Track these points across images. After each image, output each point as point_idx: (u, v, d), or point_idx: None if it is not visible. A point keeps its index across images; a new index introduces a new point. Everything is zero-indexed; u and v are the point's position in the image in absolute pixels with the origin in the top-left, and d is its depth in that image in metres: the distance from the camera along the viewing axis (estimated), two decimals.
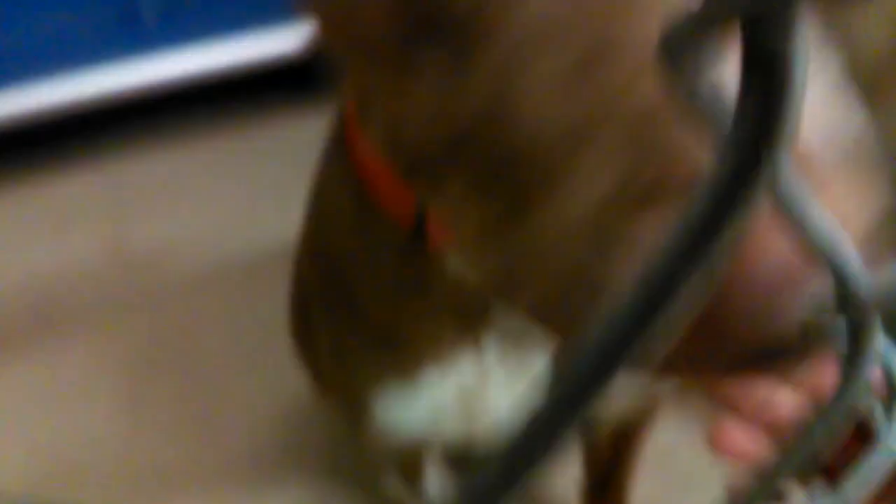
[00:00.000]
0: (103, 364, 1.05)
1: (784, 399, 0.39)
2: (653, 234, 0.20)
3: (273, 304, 1.10)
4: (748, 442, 0.40)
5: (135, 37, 1.21)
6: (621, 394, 0.52)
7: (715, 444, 0.40)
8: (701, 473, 0.46)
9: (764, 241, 0.19)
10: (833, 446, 0.39)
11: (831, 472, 0.24)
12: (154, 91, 1.23)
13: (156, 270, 1.15)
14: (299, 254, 0.56)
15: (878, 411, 0.24)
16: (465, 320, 0.46)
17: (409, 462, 0.76)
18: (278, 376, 1.01)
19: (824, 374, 0.37)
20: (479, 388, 0.48)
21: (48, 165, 1.28)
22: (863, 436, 0.35)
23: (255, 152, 1.31)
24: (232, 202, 1.23)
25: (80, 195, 1.25)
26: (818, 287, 0.18)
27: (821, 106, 0.20)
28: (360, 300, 0.48)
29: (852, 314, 0.16)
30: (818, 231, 0.15)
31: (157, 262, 1.16)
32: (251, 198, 1.24)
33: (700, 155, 0.20)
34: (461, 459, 0.89)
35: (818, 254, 0.17)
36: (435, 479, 0.78)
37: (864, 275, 0.17)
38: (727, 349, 0.20)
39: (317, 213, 0.51)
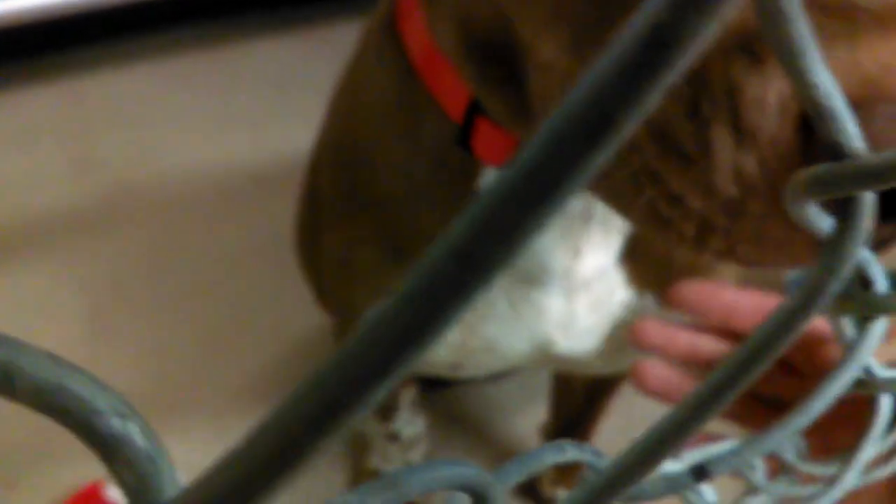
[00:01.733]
0: (66, 283, 1.02)
1: (746, 304, 0.40)
2: None
3: (241, 228, 1.08)
4: (667, 378, 0.41)
5: None
6: (618, 360, 0.51)
7: (637, 380, 0.41)
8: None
9: None
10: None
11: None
12: (124, 5, 1.19)
13: (123, 190, 1.12)
14: (317, 156, 0.54)
15: (849, 324, 0.22)
16: None
17: (386, 396, 0.75)
18: (244, 302, 0.99)
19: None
20: (481, 316, 0.47)
21: (14, 81, 1.24)
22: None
23: (228, 72, 1.27)
24: (203, 122, 1.20)
25: (46, 111, 1.21)
26: None
27: None
28: (383, 205, 0.46)
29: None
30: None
31: (125, 182, 1.13)
32: (222, 118, 1.20)
33: None
34: (435, 395, 0.88)
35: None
36: (407, 417, 0.77)
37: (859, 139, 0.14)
38: None
39: (349, 106, 0.49)
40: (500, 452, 0.89)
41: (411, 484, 0.14)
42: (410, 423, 0.77)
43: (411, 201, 0.45)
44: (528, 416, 0.89)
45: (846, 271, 0.14)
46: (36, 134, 1.18)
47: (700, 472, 0.21)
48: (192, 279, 1.02)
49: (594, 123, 0.06)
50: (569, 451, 0.21)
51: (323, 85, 0.53)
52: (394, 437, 0.78)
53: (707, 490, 0.27)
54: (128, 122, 1.20)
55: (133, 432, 0.09)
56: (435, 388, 0.88)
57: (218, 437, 0.89)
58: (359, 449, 0.87)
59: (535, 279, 0.45)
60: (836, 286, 0.14)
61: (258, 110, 1.22)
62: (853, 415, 0.28)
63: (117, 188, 1.12)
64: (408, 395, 0.75)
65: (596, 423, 0.76)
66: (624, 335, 0.48)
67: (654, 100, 0.06)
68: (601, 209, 0.42)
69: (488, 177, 0.42)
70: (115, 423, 0.09)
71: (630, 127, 0.07)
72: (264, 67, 1.29)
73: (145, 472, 0.09)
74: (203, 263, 1.03)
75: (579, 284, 0.45)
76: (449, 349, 0.50)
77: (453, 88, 0.39)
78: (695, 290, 0.46)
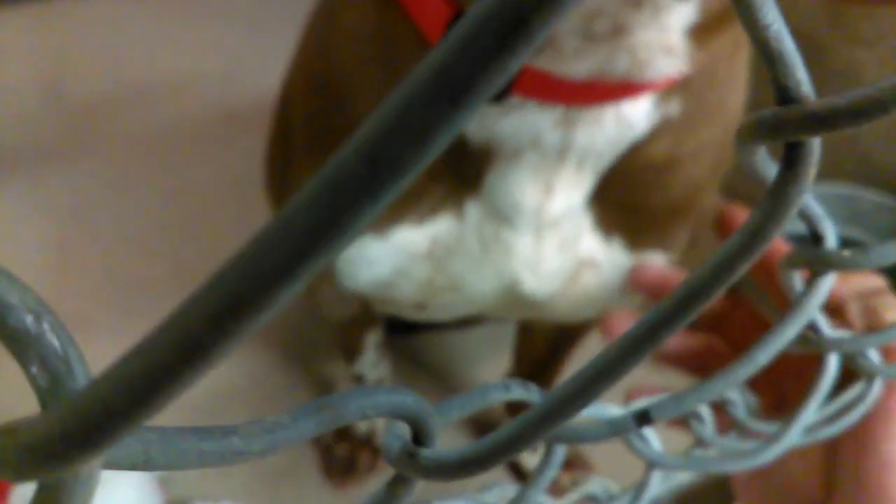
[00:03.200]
0: (33, 211, 1.00)
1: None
2: None
3: (213, 162, 1.07)
4: (660, 277, 0.42)
5: None
6: (584, 307, 0.52)
7: (606, 329, 0.42)
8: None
9: None
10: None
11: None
12: None
13: (92, 118, 1.10)
14: (289, 84, 0.53)
15: (797, 279, 0.22)
16: (458, 180, 0.45)
17: (350, 337, 0.75)
18: (213, 238, 0.98)
19: None
20: (449, 251, 0.47)
21: None
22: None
23: (201, 2, 1.25)
24: (177, 54, 1.18)
25: (14, 36, 1.18)
26: None
27: None
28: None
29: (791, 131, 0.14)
30: None
31: (94, 110, 1.11)
32: (196, 50, 1.18)
33: None
34: (400, 340, 0.89)
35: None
36: (371, 359, 0.77)
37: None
38: None
39: (325, 32, 0.48)
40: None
41: (347, 407, 0.14)
42: (375, 366, 0.78)
43: None
44: (493, 365, 0.90)
45: (787, 217, 0.14)
46: (3, 59, 1.15)
47: (643, 417, 0.21)
48: (161, 213, 1.01)
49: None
50: (514, 390, 0.21)
51: (300, 19, 0.52)
52: (358, 380, 0.79)
53: (653, 439, 0.28)
54: (98, 49, 1.17)
55: (45, 330, 0.09)
56: (400, 333, 0.88)
57: None
58: (323, 391, 0.88)
59: (506, 216, 0.45)
60: (776, 231, 0.14)
61: (233, 42, 1.20)
62: (807, 376, 0.29)
63: (87, 117, 1.10)
64: (373, 338, 0.75)
65: (558, 373, 0.77)
66: (589, 279, 0.49)
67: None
68: (577, 145, 0.42)
69: None
70: (28, 320, 0.09)
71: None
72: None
73: (57, 370, 0.09)
74: (173, 197, 1.02)
75: (548, 223, 0.46)
76: (415, 286, 0.50)
77: (434, 10, 0.38)
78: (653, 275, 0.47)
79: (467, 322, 0.88)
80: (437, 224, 0.47)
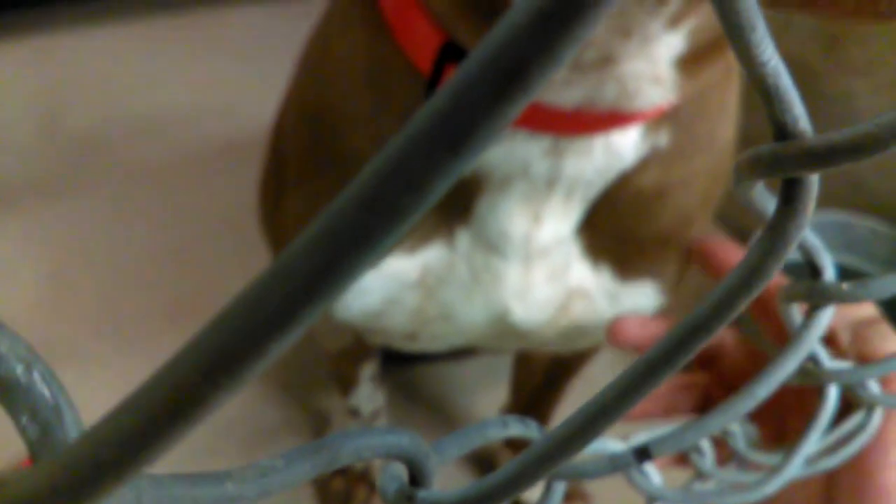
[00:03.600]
0: (29, 245, 1.00)
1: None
2: None
3: (209, 195, 1.07)
4: (641, 331, 0.41)
5: None
6: (575, 338, 0.51)
7: (612, 335, 0.41)
8: None
9: None
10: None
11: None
12: None
13: (88, 152, 1.10)
14: (282, 113, 0.53)
15: (795, 312, 0.22)
16: (448, 209, 0.45)
17: (345, 369, 0.75)
18: (209, 270, 0.98)
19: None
20: (440, 280, 0.47)
21: None
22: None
23: (201, 36, 1.25)
24: (173, 86, 1.18)
25: (12, 70, 1.19)
26: None
27: None
28: (349, 162, 0.45)
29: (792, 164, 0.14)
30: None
31: (91, 144, 1.11)
32: (193, 83, 1.19)
33: None
34: (395, 371, 0.88)
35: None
36: (367, 392, 0.77)
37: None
38: None
39: (317, 62, 0.48)
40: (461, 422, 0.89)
41: (342, 449, 0.14)
42: (370, 398, 0.77)
43: None
44: (490, 397, 0.89)
45: (787, 253, 0.14)
46: (1, 93, 1.16)
47: (643, 453, 0.21)
48: (157, 245, 1.01)
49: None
50: (511, 427, 0.21)
51: (298, 53, 0.52)
52: (354, 413, 0.78)
53: (653, 472, 0.27)
54: (96, 83, 1.18)
55: (36, 380, 0.09)
56: (396, 364, 0.88)
57: None
58: (319, 424, 0.87)
59: (494, 245, 0.45)
60: (775, 267, 0.14)
61: (231, 75, 1.21)
62: (807, 406, 0.29)
63: (83, 150, 1.10)
64: (368, 370, 0.75)
65: (555, 405, 0.77)
66: (579, 309, 0.49)
67: (569, 49, 0.06)
68: (566, 174, 0.42)
69: None
70: (18, 370, 0.09)
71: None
72: (238, 33, 1.27)
73: (48, 421, 0.09)
74: (169, 229, 1.02)
75: (537, 253, 0.46)
76: (406, 315, 0.49)
77: (424, 39, 0.39)
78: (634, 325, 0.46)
79: (463, 353, 0.87)
80: (428, 252, 0.47)
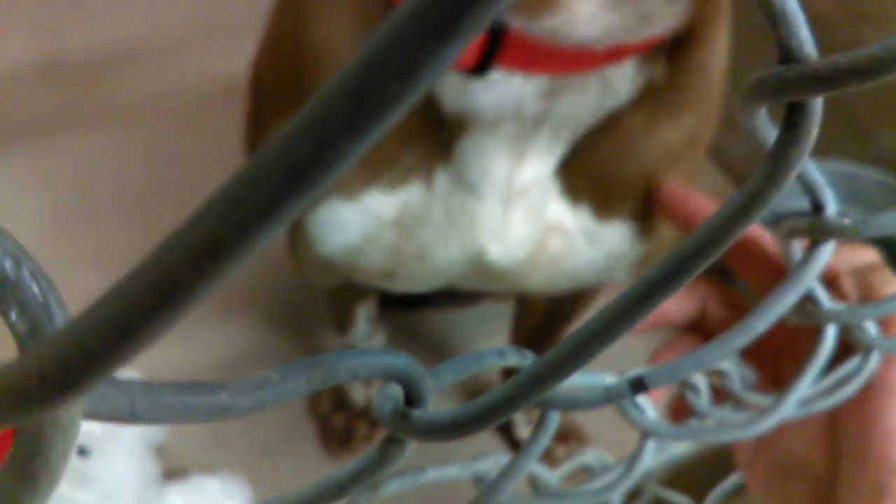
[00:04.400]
0: (30, 183, 1.00)
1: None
2: None
3: (210, 135, 1.06)
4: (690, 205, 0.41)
5: None
6: (555, 276, 0.51)
7: (661, 204, 0.41)
8: (617, 347, 0.46)
9: None
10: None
11: None
12: None
13: (91, 89, 1.09)
14: (261, 53, 0.52)
15: (796, 247, 0.22)
16: (428, 148, 0.44)
17: (341, 308, 0.75)
18: None
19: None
20: (417, 219, 0.47)
21: None
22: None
23: None
24: (177, 25, 1.17)
25: (13, 4, 1.17)
26: None
27: None
28: None
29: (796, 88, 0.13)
30: None
31: (93, 81, 1.10)
32: (197, 22, 1.17)
33: None
34: (393, 315, 0.89)
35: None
36: (364, 333, 0.77)
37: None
38: None
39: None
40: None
41: (338, 367, 0.14)
42: (367, 339, 0.78)
43: None
44: (491, 344, 0.90)
45: (787, 179, 0.14)
46: (1, 29, 1.14)
47: (638, 384, 0.21)
48: (157, 184, 1.01)
49: None
50: (508, 356, 0.21)
51: None
52: None
53: (648, 407, 0.28)
54: (99, 19, 1.16)
55: (25, 276, 0.09)
56: (396, 308, 0.88)
57: (181, 339, 0.89)
58: None
59: (473, 185, 0.45)
60: (775, 193, 0.14)
61: (233, 10, 1.19)
62: (804, 353, 0.29)
63: (86, 87, 1.09)
64: (364, 311, 0.75)
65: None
66: (556, 246, 0.49)
67: None
68: (558, 114, 0.41)
69: (445, 77, 0.41)
70: (7, 265, 0.09)
71: None
72: None
73: (37, 316, 0.09)
74: (169, 169, 1.02)
75: (517, 193, 0.45)
76: (382, 253, 0.49)
77: None
78: (667, 194, 0.46)
79: (465, 300, 0.88)
80: (406, 191, 0.47)
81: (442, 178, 0.46)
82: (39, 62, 1.12)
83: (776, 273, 0.37)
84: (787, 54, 0.13)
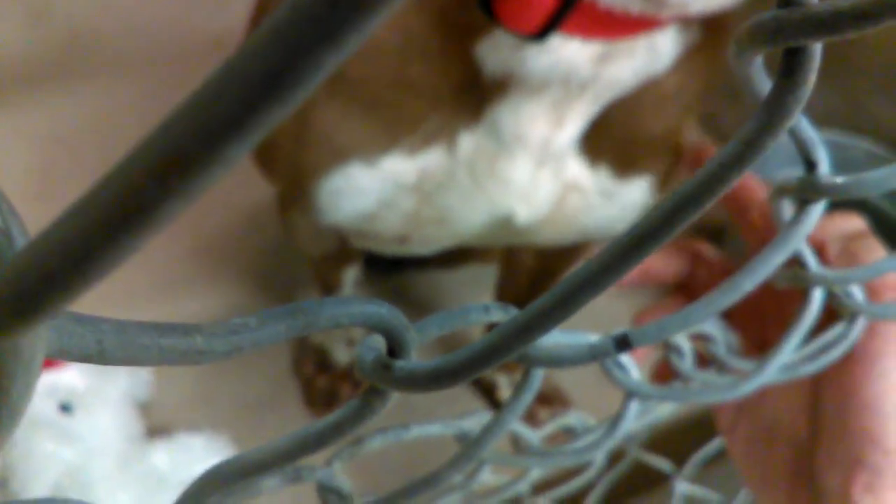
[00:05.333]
0: (18, 138, 0.99)
1: None
2: None
3: None
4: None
5: None
6: (565, 229, 0.51)
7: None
8: (603, 312, 0.46)
9: None
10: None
11: None
12: None
13: (80, 43, 1.07)
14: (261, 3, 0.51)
15: (786, 206, 0.22)
16: (453, 111, 0.44)
17: (327, 273, 0.75)
18: None
19: None
20: (438, 185, 0.46)
21: None
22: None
23: None
24: None
25: None
26: None
27: None
28: (365, 56, 0.44)
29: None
30: None
31: (83, 35, 1.08)
32: None
33: None
34: (380, 277, 0.88)
35: None
36: (351, 294, 0.77)
37: None
38: None
39: None
40: (444, 340, 0.90)
41: (319, 314, 0.14)
42: None
43: (403, 53, 0.43)
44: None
45: (783, 127, 0.13)
46: None
47: (622, 342, 0.21)
48: None
49: None
50: (493, 312, 0.21)
51: None
52: None
53: (632, 367, 0.28)
54: None
55: None
56: (381, 270, 0.88)
57: (168, 303, 0.89)
58: None
59: (506, 148, 0.45)
60: (770, 141, 0.13)
61: None
62: (789, 319, 0.29)
63: (75, 41, 1.07)
64: (351, 274, 0.75)
65: None
66: (574, 202, 0.49)
67: None
68: (604, 78, 0.42)
69: (493, 39, 0.41)
70: None
71: None
72: None
73: None
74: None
75: (551, 156, 0.45)
76: (399, 218, 0.49)
77: None
78: None
79: (451, 261, 0.87)
80: (427, 156, 0.46)
81: (467, 142, 0.45)
82: (29, 16, 1.10)
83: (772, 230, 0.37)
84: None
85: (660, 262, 0.38)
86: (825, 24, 0.12)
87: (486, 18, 0.39)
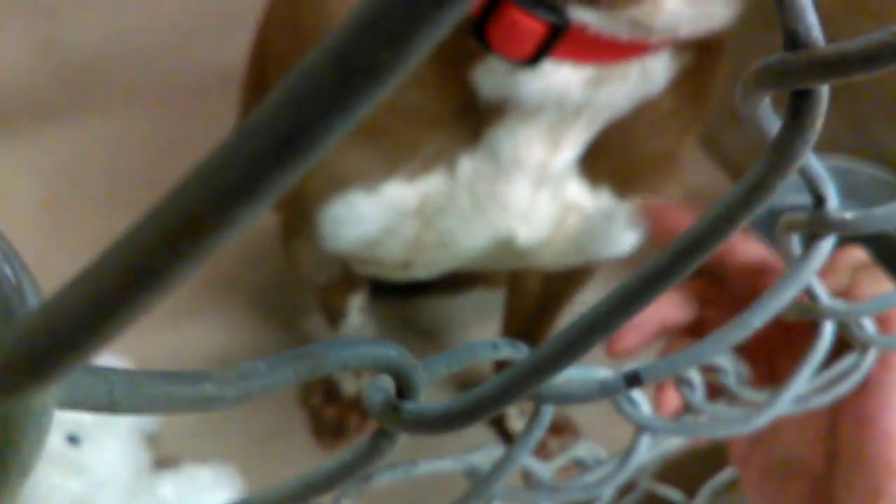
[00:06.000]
0: (23, 169, 0.99)
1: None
2: None
3: (206, 124, 1.05)
4: (638, 342, 0.39)
5: None
6: (568, 252, 0.51)
7: (612, 348, 0.39)
8: None
9: None
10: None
11: None
12: None
13: (87, 76, 1.08)
14: (271, 12, 0.52)
15: (795, 241, 0.21)
16: (452, 135, 0.44)
17: (333, 300, 0.75)
18: None
19: None
20: (439, 209, 0.47)
21: None
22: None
23: None
24: (174, 13, 1.16)
25: None
26: None
27: None
28: None
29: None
30: None
31: (89, 68, 1.09)
32: (193, 11, 1.16)
33: None
34: (385, 303, 0.88)
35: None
36: (356, 323, 0.77)
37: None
38: None
39: None
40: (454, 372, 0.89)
41: (327, 358, 0.14)
42: (360, 329, 0.77)
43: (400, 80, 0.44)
44: (483, 332, 0.90)
45: (791, 169, 0.13)
46: None
47: (633, 379, 0.21)
48: (153, 172, 1.00)
49: None
50: (502, 349, 0.20)
51: None
52: None
53: (643, 402, 0.27)
54: (98, 5, 1.15)
55: None
56: (387, 296, 0.88)
57: (175, 332, 0.89)
58: None
59: (504, 171, 0.45)
60: (778, 183, 0.13)
61: (230, 7, 1.18)
62: (799, 351, 0.29)
63: (81, 74, 1.08)
64: (357, 300, 0.75)
65: (547, 334, 0.77)
66: (573, 222, 0.49)
67: None
68: (598, 102, 0.42)
69: (487, 65, 0.42)
70: None
71: None
72: None
73: (9, 301, 0.08)
74: (165, 157, 1.01)
75: (549, 178, 0.46)
76: (402, 244, 0.49)
77: None
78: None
79: (457, 287, 0.87)
80: (428, 181, 0.47)
81: (467, 166, 0.46)
82: (37, 48, 1.11)
83: (757, 276, 0.36)
84: (793, 39, 0.13)
85: (672, 311, 0.38)
86: (832, 67, 0.12)
87: (480, 45, 0.40)
